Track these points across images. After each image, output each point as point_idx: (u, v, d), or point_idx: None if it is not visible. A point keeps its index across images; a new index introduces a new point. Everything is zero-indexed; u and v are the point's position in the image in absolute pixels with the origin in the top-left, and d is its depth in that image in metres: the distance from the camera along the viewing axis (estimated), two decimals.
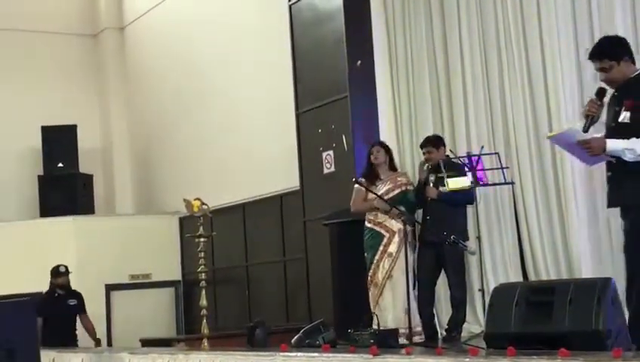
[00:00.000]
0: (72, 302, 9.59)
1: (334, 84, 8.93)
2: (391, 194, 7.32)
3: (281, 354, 5.78)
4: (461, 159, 7.45)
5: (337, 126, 8.89)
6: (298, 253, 9.58)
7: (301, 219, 9.47)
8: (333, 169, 8.98)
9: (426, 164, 7.39)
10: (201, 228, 6.87)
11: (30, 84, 12.78)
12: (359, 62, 8.76)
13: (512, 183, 7.61)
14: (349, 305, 7.77)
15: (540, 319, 4.58)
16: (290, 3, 9.58)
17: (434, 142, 7.43)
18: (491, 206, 7.87)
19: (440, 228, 6.93)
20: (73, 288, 9.75)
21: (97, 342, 9.68)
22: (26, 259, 10.83)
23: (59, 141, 12.23)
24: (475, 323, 7.55)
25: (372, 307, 7.24)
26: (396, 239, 7.23)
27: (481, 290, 7.35)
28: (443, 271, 7.29)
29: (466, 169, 7.25)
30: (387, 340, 6.09)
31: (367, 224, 7.39)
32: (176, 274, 11.87)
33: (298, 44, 9.52)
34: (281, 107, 9.83)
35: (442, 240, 6.78)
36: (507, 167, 7.51)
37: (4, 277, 10.28)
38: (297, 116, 9.50)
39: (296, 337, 6.58)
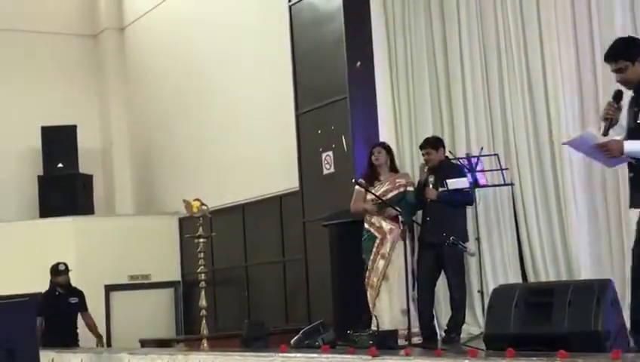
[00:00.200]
0: (74, 300, 9.57)
1: (334, 85, 8.93)
2: (389, 195, 7.31)
3: (281, 354, 5.79)
4: (460, 160, 7.46)
5: (337, 127, 8.89)
6: (297, 254, 9.58)
7: (300, 219, 9.47)
8: (332, 170, 8.98)
9: (426, 166, 7.39)
10: (200, 229, 6.88)
11: (30, 85, 12.78)
12: (359, 63, 8.76)
13: (512, 184, 7.62)
14: (348, 306, 7.77)
15: (539, 320, 4.59)
16: (290, 3, 9.58)
17: (433, 144, 7.43)
18: (491, 207, 7.88)
19: (440, 230, 6.94)
20: (73, 286, 9.73)
21: (99, 339, 9.65)
22: (26, 260, 10.82)
23: (59, 141, 12.23)
24: (474, 325, 7.56)
25: (371, 308, 7.24)
26: (389, 239, 7.23)
27: (481, 292, 7.35)
28: (443, 273, 7.29)
29: (466, 170, 7.25)
30: (386, 341, 6.09)
31: (365, 225, 7.40)
32: (175, 275, 11.87)
33: (298, 44, 9.52)
34: (280, 108, 9.83)
35: (442, 241, 6.79)
36: (506, 169, 7.52)
37: (4, 278, 10.29)
38: (297, 117, 9.50)
39: (295, 338, 6.58)
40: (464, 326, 7.31)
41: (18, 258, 10.93)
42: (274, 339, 7.00)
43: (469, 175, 7.23)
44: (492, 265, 7.84)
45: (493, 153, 7.66)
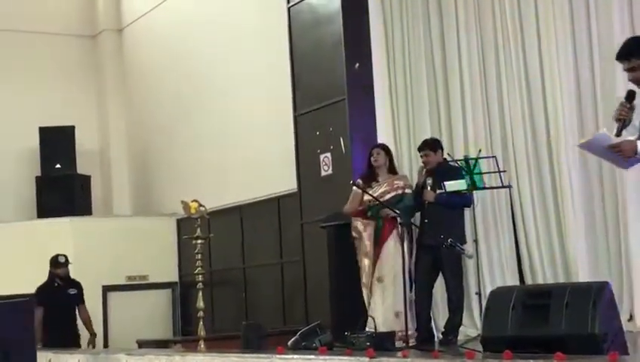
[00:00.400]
0: (73, 291, 9.54)
1: (332, 87, 8.94)
2: (387, 196, 7.32)
3: (278, 356, 5.78)
4: (458, 162, 7.46)
5: (335, 128, 8.89)
6: (295, 256, 9.58)
7: (298, 221, 9.47)
8: (330, 171, 8.99)
9: (424, 168, 7.40)
10: (198, 230, 6.87)
11: (29, 85, 12.78)
12: (357, 64, 8.77)
13: (510, 187, 7.62)
14: (345, 308, 7.77)
15: (536, 322, 4.58)
16: (289, 5, 9.59)
17: (431, 146, 7.43)
18: (488, 209, 7.88)
19: (438, 232, 6.94)
20: (72, 278, 9.69)
21: (93, 337, 9.62)
22: (24, 260, 10.81)
23: (57, 142, 12.22)
24: (471, 327, 7.56)
25: (367, 308, 7.25)
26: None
27: (478, 294, 7.34)
28: (440, 275, 7.29)
29: (464, 172, 7.26)
30: (384, 343, 6.09)
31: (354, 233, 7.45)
32: (173, 276, 11.86)
33: (296, 46, 9.52)
34: (279, 109, 9.83)
35: (440, 243, 6.79)
36: (504, 171, 7.53)
37: (2, 278, 10.29)
38: (295, 118, 9.51)
39: (292, 339, 6.57)
40: (461, 328, 7.31)
41: (16, 258, 10.92)
42: (271, 341, 6.99)
43: (466, 177, 7.23)
44: (490, 267, 7.84)
45: (491, 155, 7.66)
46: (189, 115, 11.83)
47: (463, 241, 7.13)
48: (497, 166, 7.47)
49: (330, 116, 8.99)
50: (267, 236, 10.35)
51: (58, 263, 9.48)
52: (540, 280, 7.41)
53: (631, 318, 6.80)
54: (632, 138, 4.70)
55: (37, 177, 12.28)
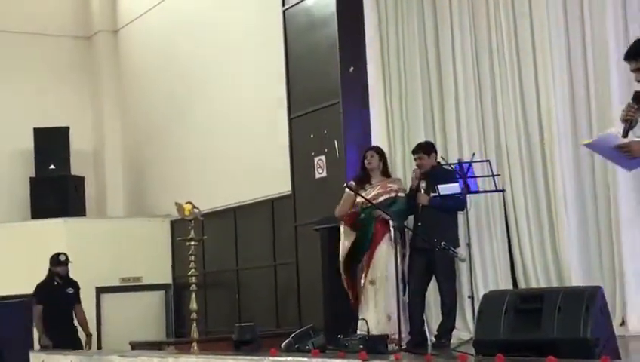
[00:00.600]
0: (70, 290, 9.53)
1: (327, 90, 8.95)
2: (380, 199, 7.31)
3: (271, 358, 5.78)
4: (452, 166, 7.48)
5: (329, 131, 8.91)
6: (289, 258, 9.59)
7: (292, 223, 9.48)
8: (324, 174, 9.00)
9: (418, 170, 7.41)
10: (192, 232, 6.87)
11: (23, 86, 12.77)
12: (352, 68, 8.78)
13: (503, 191, 7.64)
14: (339, 311, 7.78)
15: (528, 326, 4.59)
16: (284, 8, 9.60)
17: (425, 149, 7.45)
18: (482, 213, 7.90)
19: (431, 235, 6.95)
20: (70, 277, 9.68)
21: (89, 337, 9.60)
22: (17, 261, 10.80)
23: (51, 143, 12.22)
24: (464, 330, 7.57)
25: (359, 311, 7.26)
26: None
27: (471, 297, 7.37)
28: (434, 278, 7.31)
29: (457, 176, 7.28)
30: (376, 346, 6.10)
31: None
32: (166, 278, 11.85)
33: (291, 49, 9.53)
34: (273, 112, 9.84)
35: (433, 246, 6.80)
36: (498, 175, 7.55)
37: None
38: (290, 121, 9.52)
39: (285, 342, 6.58)
40: (454, 332, 7.32)
41: (9, 259, 10.91)
42: (264, 343, 7.00)
43: (460, 181, 7.25)
44: (483, 271, 7.86)
45: (484, 159, 7.68)
46: (184, 116, 11.83)
47: (456, 245, 7.14)
48: (491, 170, 7.49)
49: (324, 119, 9.00)
50: (261, 238, 10.36)
51: (59, 261, 9.47)
52: (533, 284, 7.43)
53: (623, 323, 6.82)
54: (637, 139, 4.68)
55: (31, 178, 12.27)
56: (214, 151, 11.19)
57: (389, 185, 7.45)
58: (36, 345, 9.11)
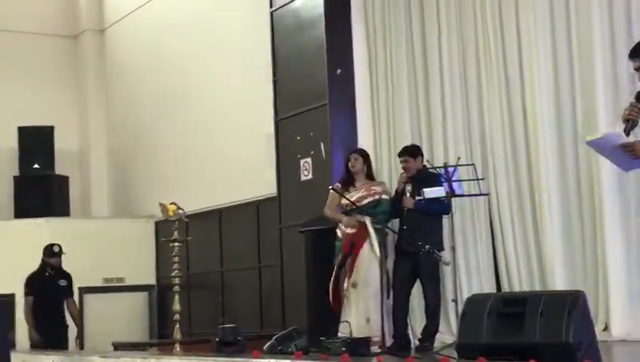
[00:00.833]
0: (63, 282, 9.46)
1: (314, 92, 8.94)
2: (364, 202, 7.32)
3: (253, 360, 5.77)
4: (437, 169, 7.49)
5: (316, 133, 8.89)
6: (273, 260, 9.56)
7: (277, 225, 9.45)
8: (310, 176, 8.98)
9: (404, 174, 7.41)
10: (175, 233, 6.84)
11: (8, 85, 12.70)
12: (339, 70, 8.77)
13: (487, 195, 7.67)
14: (322, 313, 7.76)
15: (511, 330, 4.60)
16: (272, 9, 9.58)
17: (411, 152, 7.46)
18: (467, 217, 7.91)
19: (416, 238, 6.95)
20: (63, 269, 9.62)
21: (80, 329, 9.53)
22: (0, 260, 10.72)
23: (35, 142, 12.16)
24: (448, 334, 7.57)
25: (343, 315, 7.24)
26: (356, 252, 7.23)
27: (455, 301, 7.37)
28: (418, 281, 7.30)
29: (443, 179, 7.28)
30: (359, 348, 6.09)
31: (338, 233, 7.42)
32: (150, 279, 11.81)
33: (279, 50, 9.52)
34: (260, 113, 9.82)
35: (418, 249, 6.80)
36: (483, 179, 7.56)
37: None
38: (276, 123, 9.50)
39: (268, 344, 6.57)
40: (438, 335, 7.32)
41: None
42: (248, 345, 6.98)
43: (445, 184, 7.25)
44: (467, 275, 7.87)
45: (470, 163, 7.70)
46: (170, 117, 11.79)
47: (441, 248, 7.15)
48: (476, 174, 7.50)
49: (311, 121, 8.99)
50: (246, 240, 10.33)
51: (53, 253, 9.39)
52: (517, 288, 7.45)
53: (606, 328, 6.84)
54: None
55: (15, 177, 12.20)
56: (200, 152, 11.15)
57: (372, 187, 7.45)
58: (21, 343, 9.06)
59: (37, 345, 9.03)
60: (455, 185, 7.40)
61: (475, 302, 4.89)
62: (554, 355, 4.39)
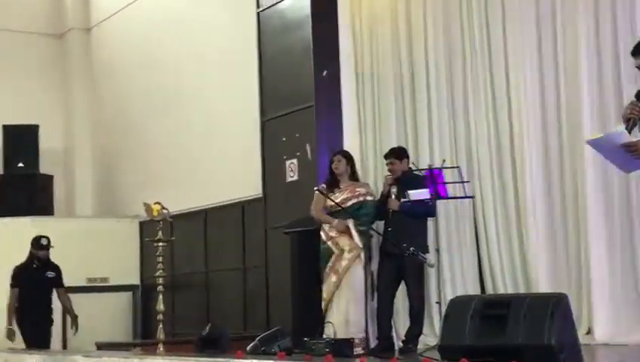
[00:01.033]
0: (51, 274, 9.37)
1: (300, 93, 8.94)
2: (348, 203, 7.32)
3: (236, 360, 5.75)
4: (423, 172, 7.50)
5: (302, 135, 8.89)
6: (258, 261, 9.55)
7: (263, 226, 9.44)
8: (296, 177, 8.98)
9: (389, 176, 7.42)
10: (159, 233, 6.82)
11: None
12: (325, 72, 8.78)
13: (472, 197, 7.68)
14: (306, 314, 7.76)
15: (494, 332, 4.60)
16: (259, 10, 9.58)
17: (397, 154, 7.46)
18: (452, 219, 7.93)
19: (401, 240, 6.96)
20: (51, 261, 9.55)
21: (75, 319, 9.46)
22: None
23: (20, 141, 12.10)
24: (431, 335, 7.58)
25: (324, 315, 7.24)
26: (346, 256, 7.21)
27: (439, 303, 7.38)
28: (402, 283, 7.31)
29: (428, 182, 7.30)
30: (342, 349, 6.09)
31: (322, 235, 7.39)
32: (134, 279, 11.76)
33: (265, 51, 9.52)
34: (246, 114, 9.81)
35: (402, 251, 6.81)
36: (467, 181, 7.59)
37: None
38: (262, 124, 9.49)
39: (251, 344, 6.56)
40: (421, 337, 7.33)
41: None
42: (232, 345, 6.97)
43: (430, 187, 7.26)
44: (451, 277, 7.89)
45: (455, 165, 7.71)
46: (155, 117, 11.76)
47: (426, 250, 7.16)
48: (461, 176, 7.52)
49: (297, 122, 8.99)
50: (231, 241, 10.31)
51: (40, 245, 9.32)
52: (501, 290, 7.47)
53: (589, 331, 6.86)
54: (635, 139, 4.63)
55: None
56: (186, 152, 11.13)
57: (357, 189, 7.45)
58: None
59: (10, 338, 8.97)
60: (440, 187, 7.42)
61: (458, 304, 4.90)
62: (536, 357, 4.40)
